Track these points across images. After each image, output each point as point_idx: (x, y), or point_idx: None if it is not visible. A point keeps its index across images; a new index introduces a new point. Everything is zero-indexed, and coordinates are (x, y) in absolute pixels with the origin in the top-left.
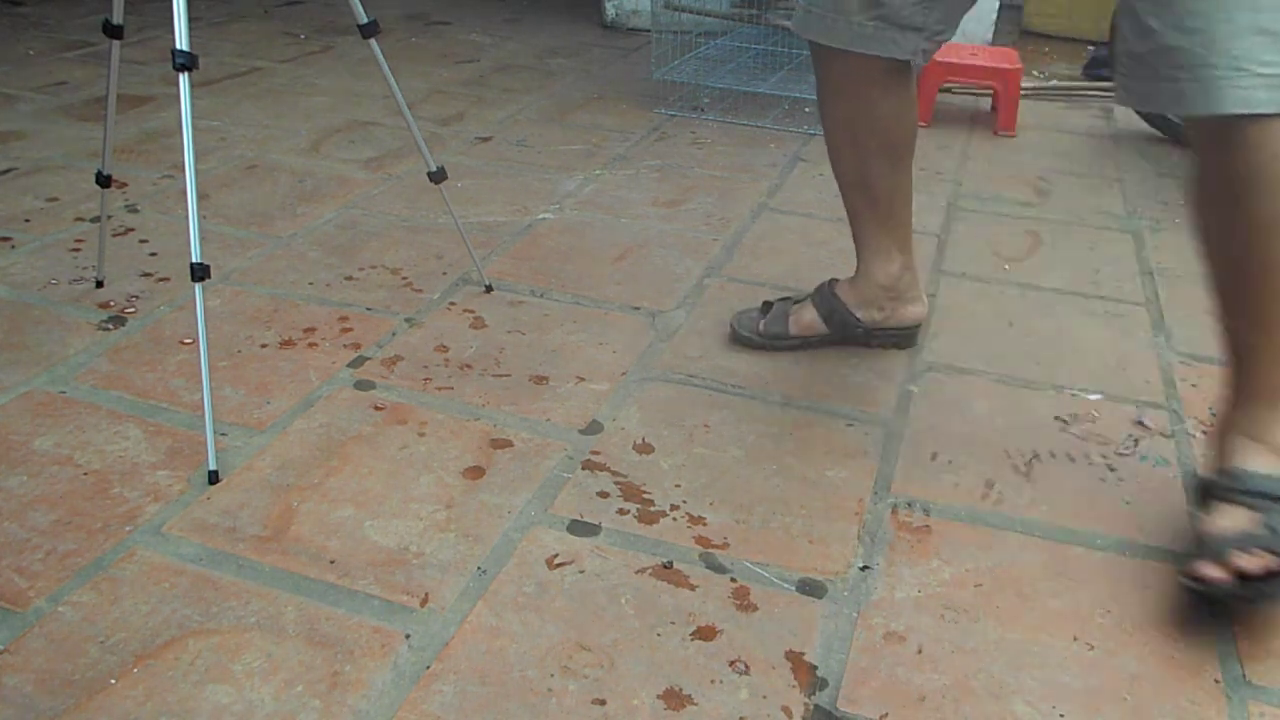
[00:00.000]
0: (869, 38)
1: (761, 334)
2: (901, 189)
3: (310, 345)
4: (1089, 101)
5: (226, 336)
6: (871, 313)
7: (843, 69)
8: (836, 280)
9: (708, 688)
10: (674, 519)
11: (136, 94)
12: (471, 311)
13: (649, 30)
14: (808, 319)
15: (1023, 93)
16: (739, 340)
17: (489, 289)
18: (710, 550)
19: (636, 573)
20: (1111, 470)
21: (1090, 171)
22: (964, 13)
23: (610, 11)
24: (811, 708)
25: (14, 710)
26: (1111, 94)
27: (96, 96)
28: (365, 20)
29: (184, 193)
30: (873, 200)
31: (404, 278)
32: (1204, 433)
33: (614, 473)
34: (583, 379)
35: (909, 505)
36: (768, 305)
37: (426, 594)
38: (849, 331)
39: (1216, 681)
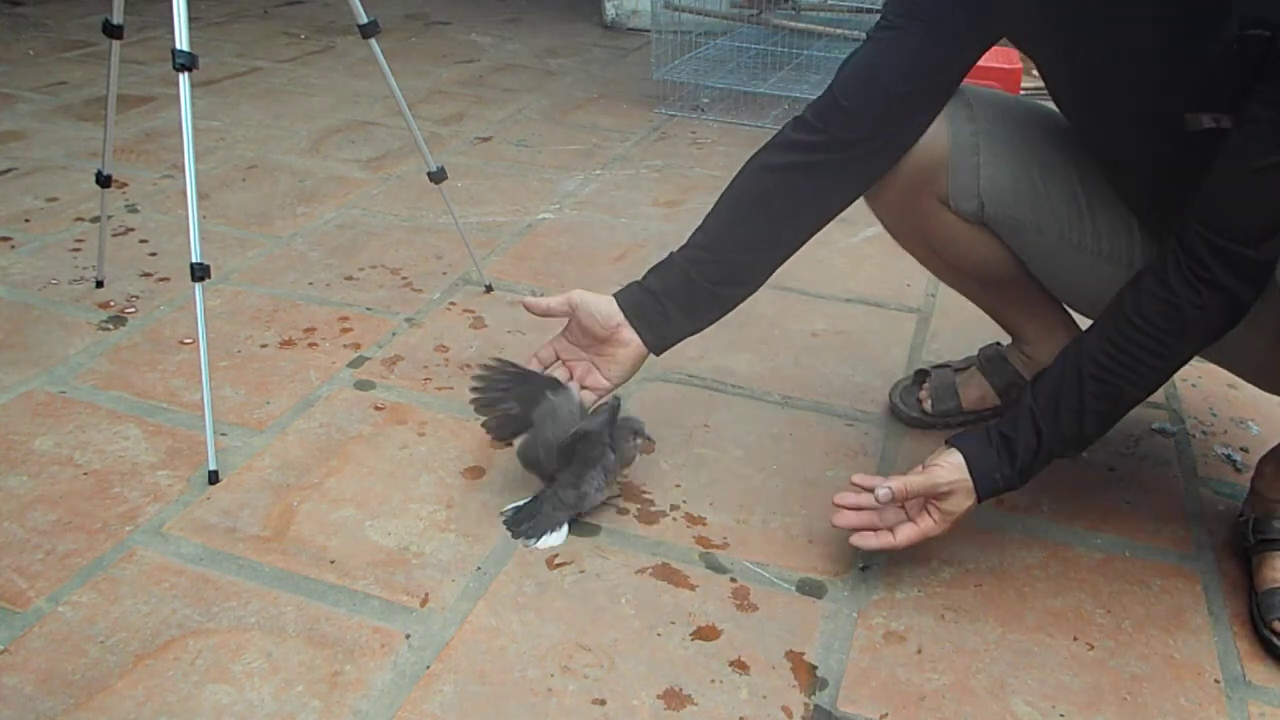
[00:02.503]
0: None
1: (932, 414)
2: (1028, 278)
3: (310, 345)
4: None
5: (226, 336)
6: None
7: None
8: (1000, 345)
9: (708, 688)
10: (674, 519)
11: (136, 94)
12: (471, 311)
13: (649, 30)
14: (978, 394)
15: (1023, 93)
16: (905, 420)
17: (489, 289)
18: (710, 550)
19: (636, 573)
20: (1111, 470)
21: None
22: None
23: (610, 11)
24: (811, 708)
25: (14, 710)
26: None
27: (96, 96)
28: (365, 20)
29: (184, 193)
30: (1008, 297)
31: (404, 278)
32: (1204, 433)
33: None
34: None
35: None
36: (922, 374)
37: (426, 594)
38: None
39: (1216, 681)
